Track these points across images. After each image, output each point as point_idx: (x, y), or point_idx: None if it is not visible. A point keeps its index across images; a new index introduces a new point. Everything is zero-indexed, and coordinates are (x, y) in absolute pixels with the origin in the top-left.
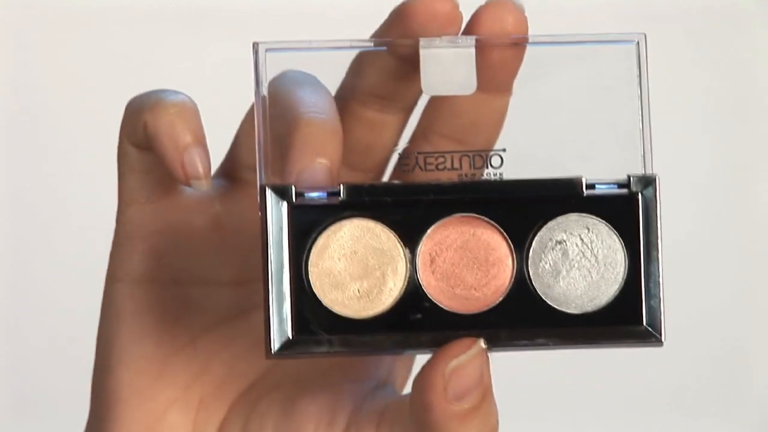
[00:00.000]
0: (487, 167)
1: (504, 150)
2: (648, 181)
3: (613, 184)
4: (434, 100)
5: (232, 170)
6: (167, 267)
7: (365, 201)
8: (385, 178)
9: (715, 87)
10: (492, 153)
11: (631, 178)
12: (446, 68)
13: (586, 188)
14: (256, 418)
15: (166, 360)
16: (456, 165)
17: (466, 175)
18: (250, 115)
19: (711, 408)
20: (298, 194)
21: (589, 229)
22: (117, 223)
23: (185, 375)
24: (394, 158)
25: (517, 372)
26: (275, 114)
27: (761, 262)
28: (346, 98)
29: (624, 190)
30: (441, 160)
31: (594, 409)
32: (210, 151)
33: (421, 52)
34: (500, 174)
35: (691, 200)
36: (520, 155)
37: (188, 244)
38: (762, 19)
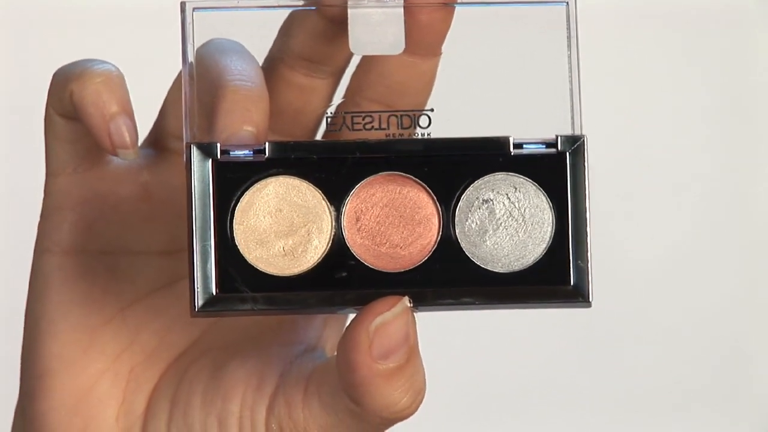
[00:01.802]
0: (415, 127)
1: (432, 110)
2: (576, 141)
3: (541, 143)
4: (363, 65)
5: (159, 140)
6: (96, 237)
7: (291, 158)
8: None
9: (714, 87)
10: (420, 113)
11: (559, 138)
12: (374, 28)
13: (514, 147)
14: (185, 385)
15: (96, 331)
16: (384, 125)
17: (393, 135)
18: (176, 83)
19: (711, 408)
20: (224, 152)
21: (516, 188)
22: (45, 194)
23: (115, 345)
24: (324, 124)
25: (518, 371)
26: (202, 82)
27: (761, 262)
28: (275, 61)
29: (552, 150)
30: (369, 119)
31: (594, 409)
32: (137, 121)
33: (350, 11)
34: (428, 134)
35: (691, 200)
36: (449, 116)
37: (116, 214)
38: (762, 19)
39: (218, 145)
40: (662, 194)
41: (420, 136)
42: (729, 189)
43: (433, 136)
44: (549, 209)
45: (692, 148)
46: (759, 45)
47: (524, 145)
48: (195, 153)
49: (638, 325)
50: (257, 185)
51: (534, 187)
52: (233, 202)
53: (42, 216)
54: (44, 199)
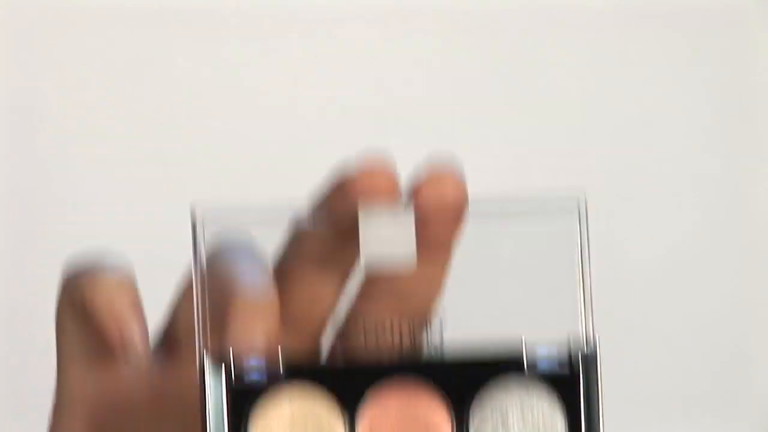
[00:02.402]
0: (428, 331)
1: (443, 312)
2: (590, 359)
3: (554, 359)
4: None
5: (170, 340)
6: None
7: (305, 377)
8: (325, 341)
9: (714, 87)
10: (431, 317)
11: (572, 355)
12: (386, 240)
13: (528, 359)
14: None
15: None
16: (395, 331)
17: (404, 341)
18: (184, 288)
19: (711, 408)
20: (238, 376)
21: (529, 397)
22: (56, 390)
23: None
24: (334, 331)
25: None
26: (212, 289)
27: (761, 264)
28: (285, 260)
29: (565, 371)
30: (380, 326)
31: None
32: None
33: (361, 225)
34: (440, 336)
35: (691, 201)
36: (461, 317)
37: (129, 414)
38: (762, 19)
39: (233, 368)
40: (662, 194)
41: (432, 341)
42: (729, 189)
43: (445, 338)
44: (562, 419)
45: (692, 148)
46: (759, 45)
47: (538, 361)
48: (209, 376)
49: (638, 327)
50: (272, 404)
51: (547, 395)
52: (248, 423)
53: (53, 413)
54: (55, 395)
